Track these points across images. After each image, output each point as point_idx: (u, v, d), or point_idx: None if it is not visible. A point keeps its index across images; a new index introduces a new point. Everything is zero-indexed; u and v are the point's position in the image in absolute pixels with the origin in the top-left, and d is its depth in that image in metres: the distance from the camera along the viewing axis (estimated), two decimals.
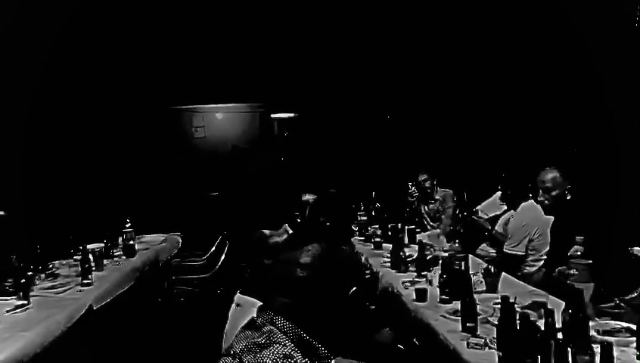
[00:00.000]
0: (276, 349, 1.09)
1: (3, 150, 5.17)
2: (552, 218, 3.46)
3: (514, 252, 3.80)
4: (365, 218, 4.78)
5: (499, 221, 4.26)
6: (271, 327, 1.14)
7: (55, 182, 5.43)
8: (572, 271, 2.52)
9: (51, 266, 3.70)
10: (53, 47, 5.94)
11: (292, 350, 1.10)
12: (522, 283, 3.12)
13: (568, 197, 3.34)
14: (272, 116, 8.97)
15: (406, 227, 4.36)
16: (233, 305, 2.08)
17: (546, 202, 3.37)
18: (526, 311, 2.25)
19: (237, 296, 2.11)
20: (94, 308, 3.14)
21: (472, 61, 6.54)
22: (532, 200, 3.82)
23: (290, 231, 2.70)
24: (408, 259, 3.52)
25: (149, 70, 7.56)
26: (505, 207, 4.24)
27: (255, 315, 1.19)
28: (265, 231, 2.29)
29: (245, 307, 1.94)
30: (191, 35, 7.42)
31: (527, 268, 3.79)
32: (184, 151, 8.49)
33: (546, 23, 5.29)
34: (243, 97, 8.43)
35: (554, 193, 3.35)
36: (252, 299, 2.02)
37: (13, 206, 4.29)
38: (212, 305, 3.57)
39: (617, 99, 4.55)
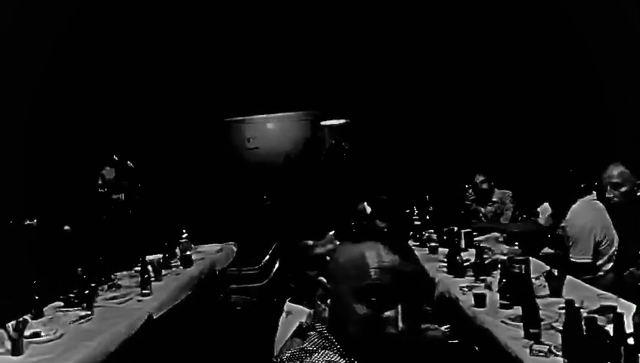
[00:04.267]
0: (322, 354, 1.07)
1: (67, 165, 5.44)
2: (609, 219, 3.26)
3: (583, 261, 3.50)
4: (419, 222, 4.68)
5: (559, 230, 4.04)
6: (317, 334, 1.12)
7: (115, 196, 5.64)
8: None
9: (113, 277, 3.84)
10: (109, 58, 6.18)
11: (337, 356, 1.08)
12: (589, 286, 2.94)
13: (639, 193, 3.14)
14: (322, 123, 9.01)
15: (463, 230, 4.22)
16: (283, 314, 2.07)
17: (615, 199, 3.18)
18: (593, 315, 2.12)
19: (287, 304, 2.10)
20: (154, 318, 3.22)
21: (527, 60, 6.35)
22: (585, 199, 3.56)
23: (337, 242, 2.66)
24: (466, 264, 3.41)
25: (202, 83, 7.80)
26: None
27: (303, 322, 1.17)
28: (308, 241, 2.27)
29: (295, 315, 1.93)
30: (239, 46, 7.59)
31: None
32: (238, 162, 8.67)
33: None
34: (293, 105, 8.52)
35: (623, 189, 3.15)
36: (301, 306, 2.01)
37: (77, 221, 4.50)
38: (267, 313, 3.58)
39: None
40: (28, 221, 4.43)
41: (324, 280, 1.16)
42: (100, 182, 5.66)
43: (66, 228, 4.52)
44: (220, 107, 8.16)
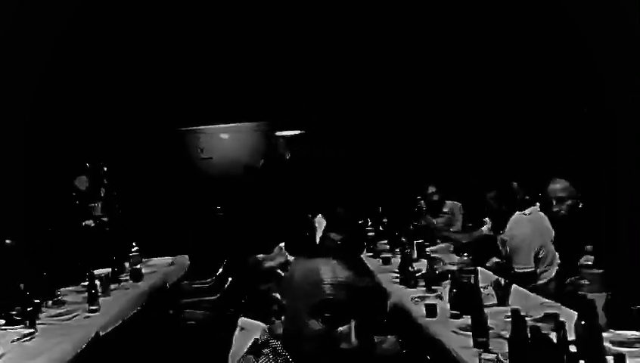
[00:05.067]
0: None
1: (7, 175, 5.21)
2: (550, 228, 3.41)
3: (526, 270, 3.66)
4: (372, 233, 4.74)
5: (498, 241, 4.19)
6: (272, 350, 1.12)
7: (61, 208, 5.44)
8: (584, 281, 2.46)
9: (58, 293, 3.69)
10: (52, 62, 5.96)
11: None
12: (534, 295, 3.06)
13: (580, 206, 3.29)
14: (277, 133, 8.99)
15: (415, 241, 4.31)
16: (237, 329, 2.04)
17: (562, 212, 3.32)
18: (537, 324, 2.20)
19: (241, 320, 2.08)
20: (101, 335, 3.11)
21: (476, 65, 6.47)
22: (517, 214, 3.75)
23: (286, 254, 2.66)
24: (417, 274, 3.48)
25: (154, 92, 7.63)
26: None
27: (258, 338, 1.17)
28: (258, 256, 2.26)
29: (249, 330, 1.91)
30: (191, 54, 7.47)
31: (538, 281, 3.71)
32: (192, 172, 8.53)
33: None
34: (246, 115, 8.47)
35: (569, 203, 3.30)
36: (256, 322, 1.99)
37: (19, 234, 4.30)
38: (221, 328, 3.53)
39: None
40: None
41: (278, 296, 1.17)
42: (74, 194, 5.49)
43: (8, 241, 4.33)
44: (171, 115, 8.01)
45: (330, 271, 1.12)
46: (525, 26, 5.77)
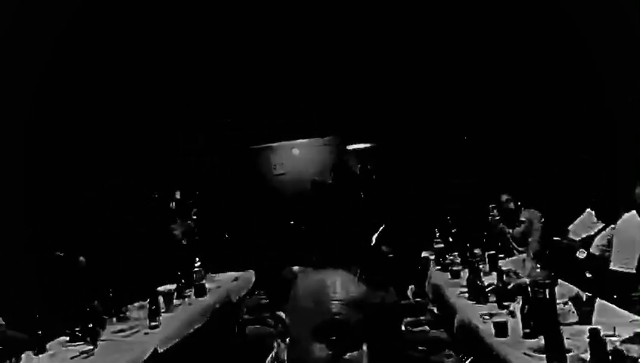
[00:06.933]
0: None
1: (81, 196, 5.44)
2: None
3: (626, 270, 3.21)
4: (441, 245, 4.45)
5: (596, 241, 3.78)
6: None
7: (135, 225, 5.61)
8: None
9: (124, 309, 3.74)
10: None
11: None
12: (623, 311, 2.67)
13: None
14: (348, 147, 8.94)
15: (486, 252, 3.98)
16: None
17: None
18: (625, 345, 1.89)
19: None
20: (160, 351, 3.09)
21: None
22: (635, 211, 3.33)
23: None
24: (488, 289, 3.18)
25: (228, 112, 7.85)
26: (600, 226, 3.75)
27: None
28: (295, 267, 2.11)
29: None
30: (264, 74, 7.62)
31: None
32: (264, 188, 8.65)
33: None
34: (318, 131, 8.52)
35: None
36: None
37: (91, 253, 4.46)
38: None
39: None
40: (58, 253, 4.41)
41: (283, 315, 1.01)
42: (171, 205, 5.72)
43: (82, 259, 4.49)
44: (245, 134, 8.20)
45: (339, 285, 0.95)
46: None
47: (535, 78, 5.88)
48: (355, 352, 0.90)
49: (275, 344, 1.02)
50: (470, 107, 7.06)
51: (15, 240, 4.32)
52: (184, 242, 5.64)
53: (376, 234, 2.92)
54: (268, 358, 1.05)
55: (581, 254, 3.90)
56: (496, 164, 6.54)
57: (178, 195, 6.12)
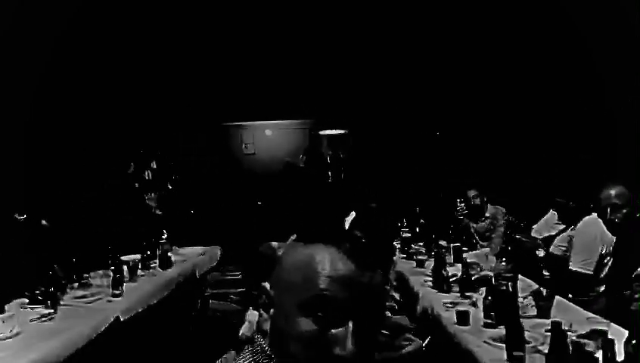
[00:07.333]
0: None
1: (43, 159, 5.31)
2: (614, 237, 3.11)
3: (584, 271, 3.32)
4: (408, 234, 4.53)
5: (556, 241, 3.90)
6: (252, 348, 0.97)
7: (101, 195, 5.49)
8: (638, 295, 2.20)
9: (86, 276, 3.67)
10: (107, 59, 6.10)
11: None
12: (580, 308, 2.78)
13: (638, 215, 3.00)
14: (321, 133, 8.97)
15: (452, 245, 4.08)
16: (245, 323, 1.91)
17: (617, 220, 3.04)
18: (582, 340, 1.97)
19: (249, 313, 1.94)
20: (122, 319, 3.06)
21: (524, 77, 6.29)
22: (596, 215, 3.44)
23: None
24: (451, 279, 3.26)
25: (200, 87, 7.75)
26: (561, 227, 3.89)
27: (242, 333, 1.03)
28: (273, 243, 2.11)
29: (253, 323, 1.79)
30: (240, 51, 7.55)
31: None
32: (233, 166, 8.61)
33: None
34: (292, 113, 8.50)
35: (625, 211, 3.02)
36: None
37: (54, 217, 4.34)
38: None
39: None
40: (17, 216, 4.28)
41: (268, 287, 1.01)
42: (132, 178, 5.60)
43: (44, 222, 4.37)
44: (217, 110, 8.12)
45: (328, 262, 0.95)
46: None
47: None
48: (340, 328, 0.91)
49: (259, 314, 1.03)
50: (454, 104, 7.15)
51: None
52: (157, 212, 5.55)
53: (349, 219, 2.94)
54: (243, 329, 1.05)
55: (540, 252, 4.04)
56: (469, 159, 6.66)
57: (154, 165, 6.01)
